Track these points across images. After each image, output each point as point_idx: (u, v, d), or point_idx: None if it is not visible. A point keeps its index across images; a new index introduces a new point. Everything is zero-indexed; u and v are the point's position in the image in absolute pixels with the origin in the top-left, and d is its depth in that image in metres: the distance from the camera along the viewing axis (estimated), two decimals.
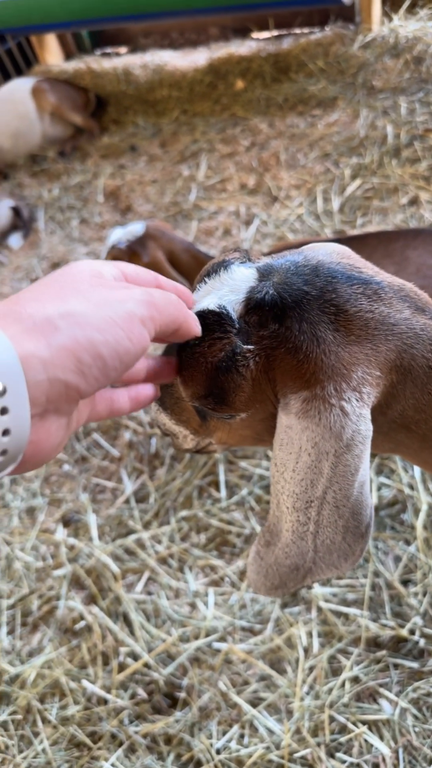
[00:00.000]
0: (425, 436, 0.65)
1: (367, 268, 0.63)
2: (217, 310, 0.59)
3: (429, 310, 0.62)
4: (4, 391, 0.37)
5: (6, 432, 0.38)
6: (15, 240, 3.06)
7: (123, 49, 4.54)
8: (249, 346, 0.58)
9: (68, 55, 4.57)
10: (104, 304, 0.44)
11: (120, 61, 4.21)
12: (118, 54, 4.50)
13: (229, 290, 0.61)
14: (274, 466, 0.61)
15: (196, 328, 0.56)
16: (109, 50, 4.61)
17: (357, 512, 0.59)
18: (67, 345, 0.41)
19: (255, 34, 4.00)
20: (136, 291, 0.48)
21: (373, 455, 1.65)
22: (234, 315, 0.59)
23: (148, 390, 0.60)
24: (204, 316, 0.60)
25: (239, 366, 0.58)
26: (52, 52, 4.44)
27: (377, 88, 3.03)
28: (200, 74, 3.68)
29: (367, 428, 0.57)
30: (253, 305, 0.59)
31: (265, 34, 3.93)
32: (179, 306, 0.53)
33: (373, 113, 2.86)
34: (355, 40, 3.32)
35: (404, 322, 0.59)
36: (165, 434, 0.81)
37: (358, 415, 0.56)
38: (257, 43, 3.84)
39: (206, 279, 0.64)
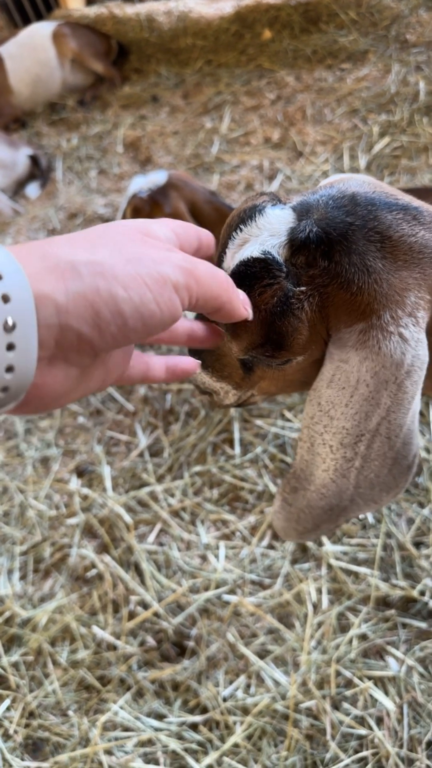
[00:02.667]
0: None
1: (403, 196, 0.62)
2: (262, 256, 0.58)
3: None
4: (14, 327, 0.36)
5: (10, 368, 0.37)
6: (32, 189, 3.01)
7: None
8: (301, 288, 0.57)
9: (90, 0, 4.42)
10: (136, 260, 0.41)
11: (143, 7, 4.07)
12: (141, 0, 4.34)
13: (269, 234, 0.59)
14: (317, 406, 0.60)
15: (242, 311, 0.52)
16: None
17: (408, 442, 0.59)
18: (86, 294, 0.38)
19: None
20: (177, 255, 0.44)
21: None
22: (280, 259, 0.58)
23: (188, 363, 0.57)
24: (249, 264, 0.58)
25: (294, 309, 0.57)
26: None
27: (411, 42, 2.91)
28: (226, 23, 3.55)
29: (425, 353, 0.56)
30: (298, 246, 0.58)
31: None
32: (226, 285, 0.49)
33: (405, 68, 2.75)
34: None
35: None
36: (203, 393, 0.79)
37: (417, 340, 0.56)
38: None
39: (241, 227, 0.62)
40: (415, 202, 0.61)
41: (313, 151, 2.57)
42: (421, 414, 1.61)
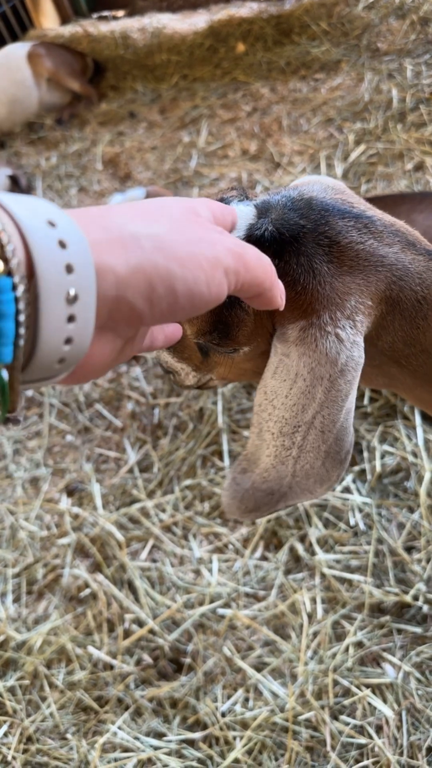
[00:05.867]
0: (416, 371, 0.67)
1: (360, 203, 0.65)
2: None
3: (420, 246, 0.64)
4: (75, 299, 0.35)
5: (69, 340, 0.36)
6: None
7: (120, 12, 4.42)
8: None
9: (64, 19, 4.45)
10: (196, 240, 0.41)
11: (117, 24, 4.10)
12: (115, 17, 4.38)
13: None
14: (263, 395, 0.63)
15: (279, 301, 0.52)
16: (106, 13, 4.48)
17: (340, 438, 0.62)
18: (145, 268, 0.38)
19: None
20: (229, 239, 0.45)
21: (376, 422, 1.64)
22: None
23: (176, 328, 0.59)
24: None
25: (241, 302, 0.60)
26: (47, 16, 4.33)
27: (382, 51, 2.95)
28: (200, 38, 3.58)
29: (359, 355, 0.60)
30: (253, 242, 0.61)
31: None
32: (270, 272, 0.49)
33: (377, 76, 2.79)
34: (359, 0, 3.22)
35: (394, 255, 0.61)
36: (167, 372, 0.84)
37: (352, 342, 0.59)
38: (258, 4, 3.72)
39: None
40: (370, 212, 0.64)
41: (290, 161, 2.59)
42: (407, 418, 1.62)
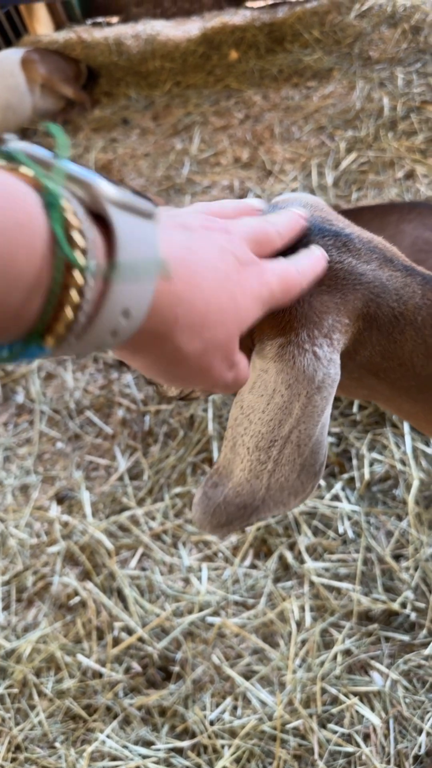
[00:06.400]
0: (394, 383, 0.69)
1: (338, 221, 0.66)
2: None
3: (397, 262, 0.65)
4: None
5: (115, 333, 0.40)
6: None
7: (114, 19, 4.44)
8: None
9: (58, 25, 4.47)
10: (225, 308, 0.46)
11: (111, 31, 4.12)
12: (109, 24, 4.40)
13: None
14: (239, 409, 0.64)
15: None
16: (100, 20, 4.50)
17: (315, 451, 0.63)
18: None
19: (249, 3, 3.91)
20: (259, 289, 0.50)
21: (365, 430, 1.65)
22: None
23: None
24: None
25: None
26: (41, 22, 4.34)
27: (374, 59, 2.97)
28: (193, 45, 3.60)
29: (336, 372, 0.61)
30: None
31: (260, 3, 3.85)
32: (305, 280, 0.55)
33: (369, 85, 2.81)
34: (351, 8, 3.25)
35: (371, 272, 0.63)
36: (149, 383, 0.85)
37: (329, 360, 0.60)
38: (251, 12, 3.76)
39: None
40: (348, 229, 0.64)
41: (282, 169, 2.61)
42: (396, 426, 1.63)
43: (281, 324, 0.60)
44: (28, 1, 4.06)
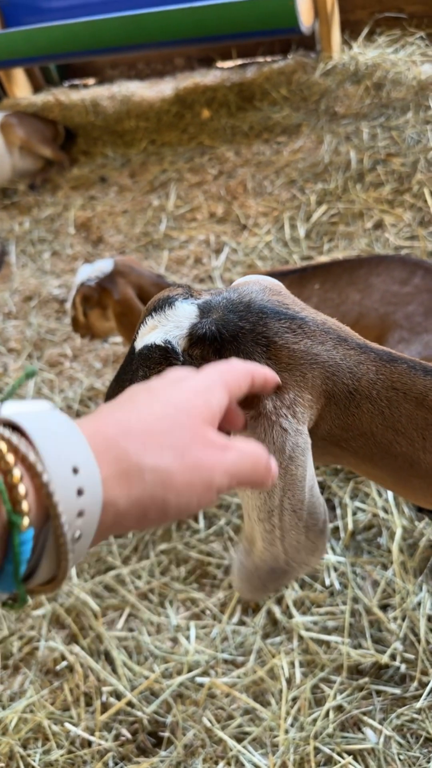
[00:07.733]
0: (356, 452, 0.72)
1: (294, 304, 0.70)
2: (163, 345, 0.67)
3: (351, 341, 0.69)
4: (78, 538, 0.39)
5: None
6: None
7: (91, 81, 4.60)
8: None
9: (36, 88, 4.62)
10: (195, 468, 0.45)
11: (88, 92, 4.27)
12: (85, 85, 4.56)
13: (174, 326, 0.68)
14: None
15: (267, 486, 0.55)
16: (77, 82, 4.67)
17: (312, 512, 0.66)
18: (144, 500, 0.42)
19: (219, 64, 4.08)
20: (229, 457, 0.47)
21: (347, 478, 1.66)
22: (178, 349, 0.67)
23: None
24: (152, 349, 0.67)
25: None
26: (20, 86, 4.48)
27: (340, 114, 3.10)
28: (167, 104, 3.74)
29: (304, 441, 0.64)
30: (196, 340, 0.66)
31: (229, 64, 4.01)
32: (262, 474, 0.51)
33: (336, 139, 2.92)
34: (316, 67, 3.40)
35: (326, 352, 0.66)
36: None
37: (295, 431, 0.63)
38: (222, 72, 3.92)
39: (152, 314, 0.70)
40: (303, 312, 0.69)
41: (255, 223, 2.68)
42: None
43: (247, 398, 0.63)
44: (6, 68, 4.20)
